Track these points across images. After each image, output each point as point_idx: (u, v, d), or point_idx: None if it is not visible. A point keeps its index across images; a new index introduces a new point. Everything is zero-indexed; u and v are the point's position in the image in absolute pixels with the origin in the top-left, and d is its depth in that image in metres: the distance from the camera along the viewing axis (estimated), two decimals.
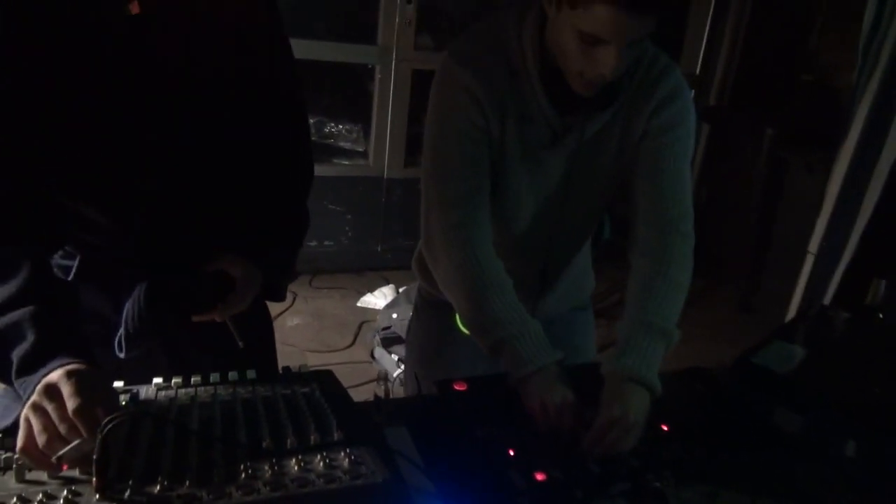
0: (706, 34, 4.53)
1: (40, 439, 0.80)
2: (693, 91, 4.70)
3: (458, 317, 1.53)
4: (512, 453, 1.05)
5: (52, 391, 0.82)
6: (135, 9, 0.96)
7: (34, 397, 0.83)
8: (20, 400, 0.88)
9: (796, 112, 4.23)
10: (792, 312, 2.91)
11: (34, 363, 0.88)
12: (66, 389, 0.82)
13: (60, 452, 0.78)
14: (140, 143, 1.05)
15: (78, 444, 0.78)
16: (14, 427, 0.86)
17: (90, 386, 0.84)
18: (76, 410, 0.80)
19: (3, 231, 0.99)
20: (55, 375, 0.84)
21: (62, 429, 0.80)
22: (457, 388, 1.23)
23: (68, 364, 0.86)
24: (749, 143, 4.18)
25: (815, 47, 4.28)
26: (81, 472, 0.79)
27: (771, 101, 4.39)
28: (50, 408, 0.81)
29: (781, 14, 4.29)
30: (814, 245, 2.81)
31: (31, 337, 0.89)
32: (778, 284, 3.62)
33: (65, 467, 0.79)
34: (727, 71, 4.50)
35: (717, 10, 4.45)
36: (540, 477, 1.00)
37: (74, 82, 0.97)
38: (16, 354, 0.89)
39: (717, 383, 1.27)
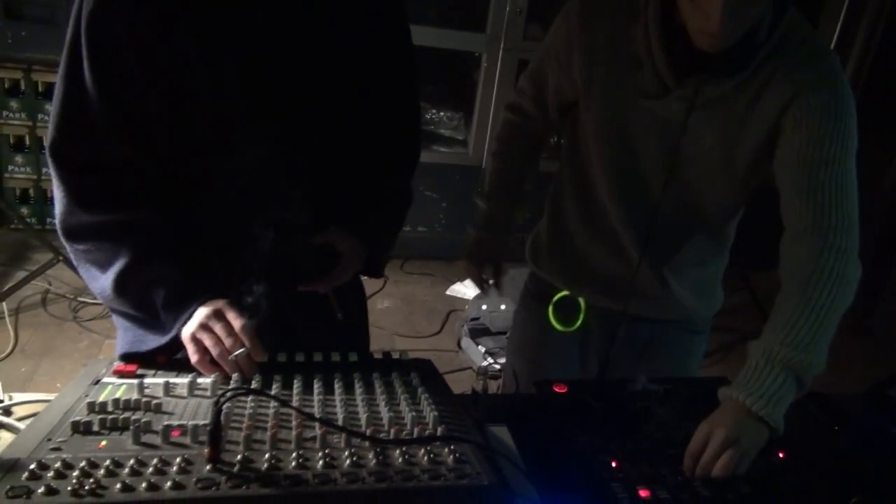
0: (836, 35, 4.24)
1: (214, 351, 0.97)
2: None
3: (550, 312, 1.49)
4: (615, 465, 1.00)
5: (219, 314, 1.00)
6: None
7: (199, 320, 1.00)
8: (152, 330, 1.06)
9: None
10: None
11: (188, 295, 1.03)
12: (230, 313, 1.00)
13: (233, 354, 0.96)
14: (267, 117, 1.08)
15: (245, 350, 0.96)
16: (148, 353, 1.05)
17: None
18: (243, 327, 0.98)
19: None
20: (219, 303, 1.01)
21: (228, 343, 0.97)
22: (556, 389, 1.19)
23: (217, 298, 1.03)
24: (876, 151, 3.88)
25: None
26: (193, 441, 0.80)
27: None
28: (217, 327, 0.98)
29: None
30: None
31: (177, 275, 1.05)
32: None
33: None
34: (857, 75, 4.20)
35: (849, 11, 4.16)
36: (644, 493, 0.95)
37: (227, 57, 1.02)
38: (167, 288, 1.03)
39: (842, 412, 1.17)
